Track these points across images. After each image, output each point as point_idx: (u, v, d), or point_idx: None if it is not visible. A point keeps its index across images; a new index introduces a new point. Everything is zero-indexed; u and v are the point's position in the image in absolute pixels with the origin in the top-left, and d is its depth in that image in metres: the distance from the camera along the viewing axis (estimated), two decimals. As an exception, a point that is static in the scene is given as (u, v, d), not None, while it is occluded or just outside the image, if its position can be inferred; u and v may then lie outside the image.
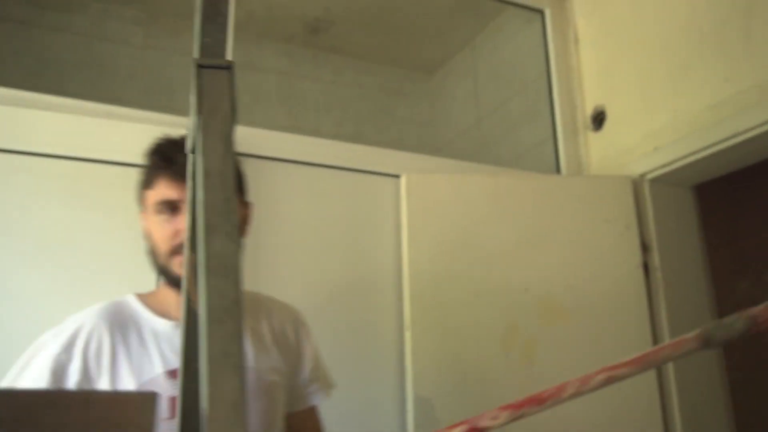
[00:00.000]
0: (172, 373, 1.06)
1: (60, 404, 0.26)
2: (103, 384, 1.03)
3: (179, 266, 1.08)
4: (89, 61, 2.87)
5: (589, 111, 2.44)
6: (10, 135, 1.61)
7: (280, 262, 1.89)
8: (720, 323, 0.69)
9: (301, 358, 1.29)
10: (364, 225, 2.03)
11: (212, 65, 0.46)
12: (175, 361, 1.06)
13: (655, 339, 2.04)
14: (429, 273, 1.97)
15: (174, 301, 1.14)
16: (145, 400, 0.28)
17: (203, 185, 0.40)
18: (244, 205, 1.25)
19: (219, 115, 0.44)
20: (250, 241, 1.83)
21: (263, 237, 1.88)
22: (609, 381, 0.71)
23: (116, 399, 0.28)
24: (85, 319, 1.11)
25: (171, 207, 1.12)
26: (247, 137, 1.93)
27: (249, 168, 1.89)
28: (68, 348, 1.06)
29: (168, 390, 1.04)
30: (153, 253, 1.15)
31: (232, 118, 0.45)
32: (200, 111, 0.43)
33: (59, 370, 1.02)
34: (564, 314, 1.99)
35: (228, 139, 0.44)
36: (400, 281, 1.98)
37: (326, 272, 1.94)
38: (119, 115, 1.80)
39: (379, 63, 3.49)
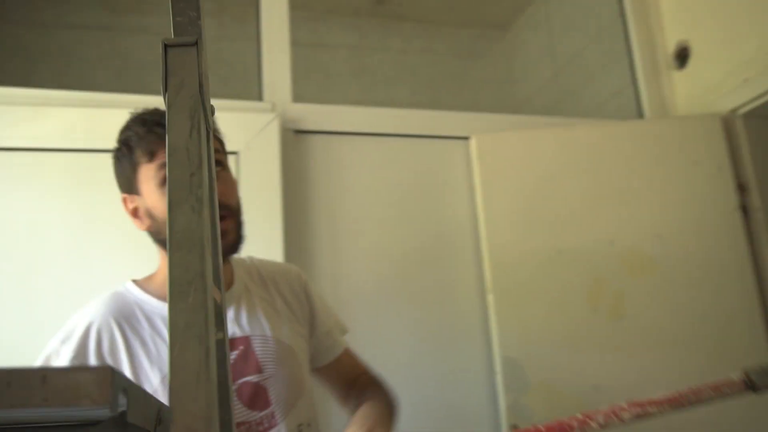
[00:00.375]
0: None
1: (16, 383, 0.27)
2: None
3: None
4: (112, 53, 2.98)
5: (671, 48, 2.28)
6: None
7: (357, 233, 1.91)
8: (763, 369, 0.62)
9: (314, 313, 1.24)
10: (437, 190, 2.01)
11: (178, 43, 0.47)
12: None
13: (761, 287, 1.90)
14: (507, 234, 1.93)
15: None
16: (101, 373, 0.29)
17: (168, 161, 0.41)
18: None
19: (184, 91, 0.44)
20: (326, 214, 1.88)
21: (338, 210, 1.91)
22: (638, 417, 0.66)
23: (72, 374, 0.29)
24: (91, 316, 1.04)
25: None
26: (311, 114, 1.95)
27: (318, 144, 1.93)
28: (81, 351, 1.00)
29: None
30: (162, 231, 1.05)
31: (201, 94, 0.45)
32: (166, 89, 0.44)
33: None
34: (653, 266, 1.89)
35: (194, 115, 0.44)
36: (479, 244, 1.96)
37: (403, 241, 1.94)
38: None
39: (449, 26, 3.42)
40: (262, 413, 1.05)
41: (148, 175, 1.03)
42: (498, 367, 1.84)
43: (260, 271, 1.21)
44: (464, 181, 2.02)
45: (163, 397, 0.96)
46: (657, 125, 2.07)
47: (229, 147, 1.16)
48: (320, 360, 1.25)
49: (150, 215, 1.06)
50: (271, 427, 1.05)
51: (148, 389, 0.98)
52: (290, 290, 1.21)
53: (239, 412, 1.03)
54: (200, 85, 0.45)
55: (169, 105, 0.43)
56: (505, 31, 3.48)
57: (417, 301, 1.91)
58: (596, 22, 2.72)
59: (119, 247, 1.65)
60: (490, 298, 1.89)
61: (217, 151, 1.05)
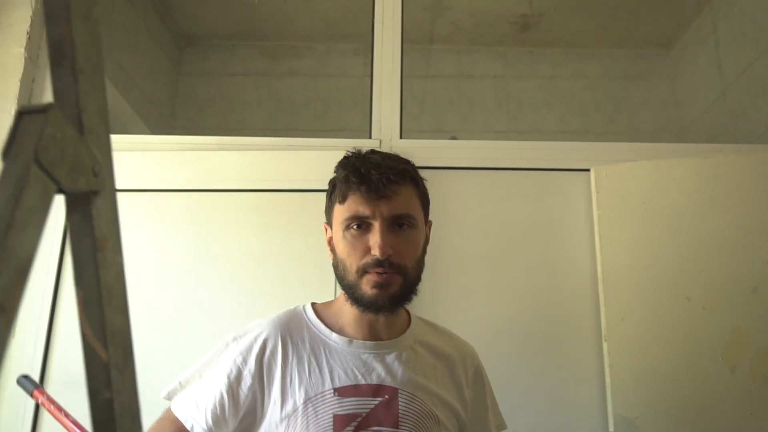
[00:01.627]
0: (339, 391, 1.06)
1: None
2: (274, 391, 1.07)
3: (369, 284, 1.07)
4: (315, 97, 3.16)
5: None
6: (205, 176, 1.85)
7: (467, 273, 1.84)
8: None
9: (482, 401, 1.25)
10: (554, 228, 1.87)
11: (30, 110, 0.48)
12: (345, 379, 1.07)
13: None
14: (627, 275, 1.74)
15: (350, 316, 1.13)
16: None
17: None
18: (429, 225, 1.24)
19: (20, 159, 0.46)
20: (431, 253, 1.84)
21: (445, 248, 1.86)
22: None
23: None
24: (264, 327, 1.13)
25: (359, 223, 1.09)
26: (417, 149, 1.93)
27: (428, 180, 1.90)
28: (245, 353, 1.09)
29: (334, 407, 1.05)
30: (341, 269, 1.11)
31: (40, 163, 0.46)
32: (5, 155, 0.46)
33: (236, 371, 1.08)
34: (810, 319, 1.58)
35: (20, 183, 0.45)
36: (596, 286, 1.78)
37: (514, 281, 1.83)
38: (297, 145, 1.93)
39: (604, 47, 3.21)
40: None
41: (338, 216, 1.12)
42: (611, 425, 1.64)
43: (437, 336, 1.24)
44: (584, 218, 1.86)
45: (302, 418, 1.03)
46: (823, 150, 1.74)
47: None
48: None
49: (333, 250, 1.14)
50: None
51: (290, 405, 1.05)
52: (461, 365, 1.22)
53: None
54: (36, 153, 0.46)
55: (2, 170, 0.45)
56: (669, 48, 3.17)
57: (528, 346, 1.79)
58: (766, 32, 2.37)
59: (234, 280, 1.77)
60: (605, 347, 1.70)
61: (407, 215, 1.11)
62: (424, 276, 1.79)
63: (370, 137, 1.96)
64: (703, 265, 1.68)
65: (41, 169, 0.50)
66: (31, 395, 1.27)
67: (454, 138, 2.59)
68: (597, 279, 1.77)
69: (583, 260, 1.82)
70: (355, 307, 1.11)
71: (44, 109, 0.53)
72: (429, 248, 1.83)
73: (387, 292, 1.08)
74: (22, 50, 1.93)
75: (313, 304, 1.20)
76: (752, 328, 1.61)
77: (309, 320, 1.16)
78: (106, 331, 0.59)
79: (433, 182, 1.90)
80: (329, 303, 1.20)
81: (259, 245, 1.79)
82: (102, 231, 0.59)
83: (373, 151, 1.16)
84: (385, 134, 1.95)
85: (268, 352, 1.10)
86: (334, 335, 1.13)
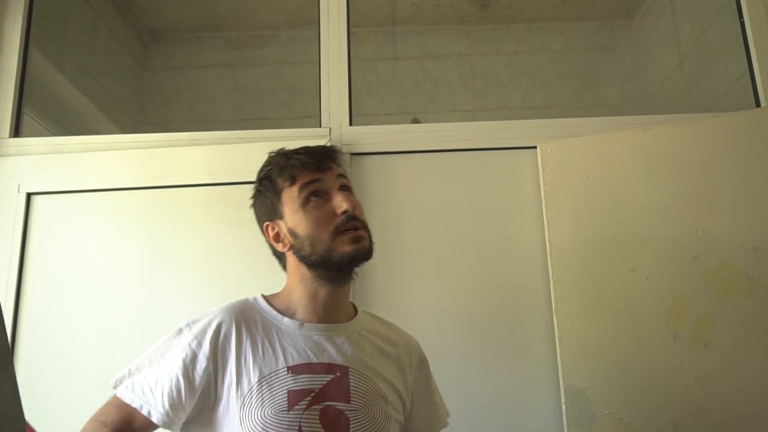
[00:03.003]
0: (292, 369, 1.11)
1: None
2: (229, 373, 1.10)
3: (347, 242, 1.13)
4: (282, 86, 3.18)
5: (792, 23, 1.93)
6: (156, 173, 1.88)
7: (419, 255, 1.88)
8: None
9: (428, 386, 1.32)
10: (502, 207, 1.90)
11: None
12: (297, 358, 1.12)
13: None
14: (574, 249, 1.77)
15: (302, 300, 1.18)
16: None
17: None
18: None
19: None
20: (382, 237, 1.87)
21: (395, 231, 1.89)
22: None
23: None
24: (217, 312, 1.17)
25: (316, 191, 1.16)
26: (367, 135, 1.96)
27: (374, 165, 1.93)
28: (199, 336, 1.13)
29: (289, 384, 1.09)
30: (308, 246, 1.15)
31: None
32: None
33: (191, 355, 1.12)
34: (747, 286, 1.61)
35: None
36: (546, 262, 1.81)
37: (466, 261, 1.87)
38: (247, 138, 1.95)
39: (567, 21, 3.21)
40: None
41: (291, 197, 1.17)
42: (563, 397, 1.69)
43: (383, 326, 1.31)
44: (532, 195, 1.89)
45: (257, 395, 1.07)
46: (755, 116, 1.76)
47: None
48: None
49: (293, 234, 1.17)
50: None
51: (245, 384, 1.09)
52: (406, 355, 1.28)
53: (317, 430, 1.07)
54: None
55: None
56: (632, 19, 3.18)
57: (482, 324, 1.82)
58: (717, 1, 2.38)
59: (186, 275, 1.81)
60: (555, 320, 1.74)
61: (345, 176, 1.22)
62: (376, 257, 1.83)
63: (320, 125, 1.98)
64: (644, 236, 1.72)
65: None
66: None
67: (416, 120, 2.61)
68: (546, 254, 1.80)
69: (532, 237, 1.85)
70: (327, 274, 1.16)
71: None
72: (381, 232, 1.87)
73: (365, 244, 1.15)
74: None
75: (263, 295, 1.24)
76: (693, 295, 1.65)
77: (261, 308, 1.20)
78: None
79: (383, 167, 1.95)
80: (277, 293, 1.24)
81: (213, 239, 1.83)
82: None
83: (284, 149, 1.25)
84: (334, 122, 1.97)
85: (222, 335, 1.13)
86: (285, 319, 1.17)
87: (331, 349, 1.15)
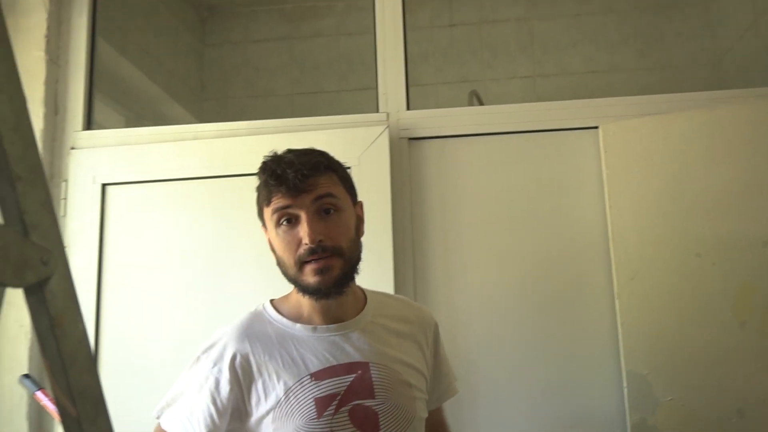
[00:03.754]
0: (315, 375, 1.15)
1: None
2: (254, 391, 1.15)
3: (310, 274, 1.14)
4: (338, 57, 3.17)
5: None
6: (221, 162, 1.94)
7: (479, 238, 1.89)
8: None
9: (438, 357, 1.32)
10: (563, 189, 1.88)
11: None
12: (318, 364, 1.15)
13: None
14: (637, 233, 1.75)
15: (307, 305, 1.21)
16: None
17: None
18: (358, 206, 1.27)
19: None
20: (441, 221, 1.89)
21: (454, 215, 1.90)
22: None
23: None
24: (229, 336, 1.20)
25: (288, 218, 1.15)
26: (424, 120, 1.96)
27: (433, 150, 1.93)
28: (218, 363, 1.17)
29: (313, 392, 1.13)
30: (282, 265, 1.18)
31: None
32: None
33: (214, 383, 1.17)
34: (820, 272, 1.56)
35: None
36: (607, 245, 1.80)
37: (526, 243, 1.87)
38: (308, 125, 1.98)
39: (632, -23, 3.06)
40: None
41: (268, 217, 1.19)
42: (624, 382, 1.70)
43: (396, 306, 1.32)
44: (593, 177, 1.86)
45: (285, 407, 1.12)
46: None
47: (345, 162, 1.26)
48: (433, 402, 1.32)
49: (272, 249, 1.21)
50: None
51: (272, 398, 1.14)
52: (421, 330, 1.29)
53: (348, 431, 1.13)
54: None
55: None
56: (702, -29, 3.00)
57: (542, 306, 1.83)
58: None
59: (250, 263, 1.88)
60: (617, 304, 1.74)
61: (329, 195, 1.16)
62: (436, 241, 1.87)
63: (377, 111, 1.99)
64: (712, 221, 1.67)
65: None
66: (33, 396, 1.39)
67: (475, 92, 2.57)
68: (608, 238, 1.79)
69: (593, 220, 1.83)
70: (308, 297, 1.18)
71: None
72: (440, 217, 1.89)
73: (330, 276, 1.13)
74: (43, 53, 2.03)
75: (272, 301, 1.26)
76: (762, 283, 1.61)
77: (271, 317, 1.22)
78: (73, 391, 0.69)
79: (441, 151, 1.95)
80: (286, 297, 1.26)
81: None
82: (58, 309, 0.68)
83: (289, 151, 1.20)
84: (392, 107, 1.97)
85: (238, 358, 1.16)
86: (297, 326, 1.20)
87: (348, 347, 1.18)
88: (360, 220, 1.26)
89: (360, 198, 1.27)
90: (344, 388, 1.14)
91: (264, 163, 1.19)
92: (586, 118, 1.88)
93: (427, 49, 3.13)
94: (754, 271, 1.62)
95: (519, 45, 3.10)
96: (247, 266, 1.88)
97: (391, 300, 1.34)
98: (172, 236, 1.94)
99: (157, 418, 1.22)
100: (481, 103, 2.53)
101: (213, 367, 1.17)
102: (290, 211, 1.14)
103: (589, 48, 3.05)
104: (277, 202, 1.15)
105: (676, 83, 2.96)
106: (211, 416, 1.15)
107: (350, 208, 1.21)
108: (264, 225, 1.22)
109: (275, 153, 1.21)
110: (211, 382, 1.16)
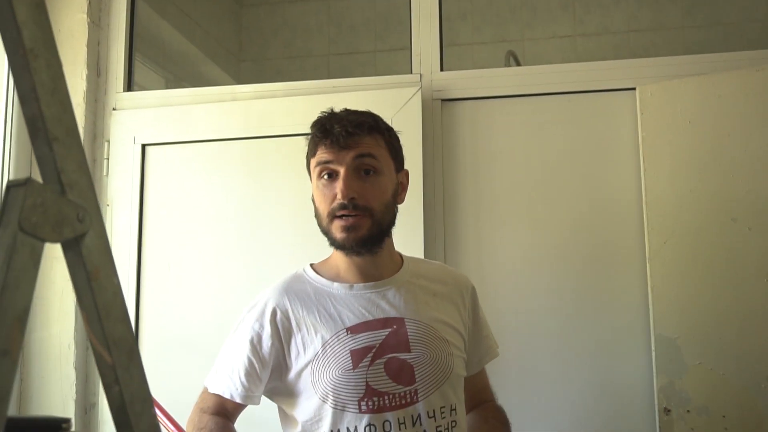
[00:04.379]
0: (351, 329, 1.20)
1: None
2: (294, 345, 1.21)
3: (338, 229, 1.19)
4: (374, 17, 3.15)
5: None
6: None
7: (512, 201, 1.89)
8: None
9: (477, 319, 1.35)
10: (598, 152, 1.86)
11: (13, 184, 0.61)
12: (354, 319, 1.21)
13: None
14: (672, 197, 1.72)
15: (344, 264, 1.26)
16: None
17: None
18: (403, 174, 1.31)
19: (7, 229, 0.59)
20: (470, 188, 1.89)
21: (487, 179, 1.90)
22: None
23: None
24: (270, 293, 1.27)
25: (329, 173, 1.20)
26: (458, 81, 1.94)
27: (465, 111, 1.92)
28: (260, 319, 1.23)
29: (349, 344, 1.18)
30: (318, 216, 1.23)
31: (24, 227, 0.60)
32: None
33: (256, 337, 1.23)
34: None
35: (9, 251, 0.58)
36: (641, 209, 1.78)
37: (559, 207, 1.86)
38: (340, 86, 1.99)
39: (680, -71, 2.93)
40: (407, 388, 1.18)
41: (312, 168, 1.24)
42: (653, 345, 1.70)
43: (432, 269, 1.36)
44: (629, 139, 1.83)
45: (322, 359, 1.18)
46: None
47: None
48: (473, 365, 1.34)
49: (312, 200, 1.26)
50: (412, 403, 1.18)
51: (311, 351, 1.19)
52: (457, 291, 1.33)
53: (384, 383, 1.17)
54: (20, 221, 0.59)
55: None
56: None
57: (573, 272, 1.84)
58: None
59: (287, 224, 1.92)
60: (649, 269, 1.73)
61: (369, 156, 1.20)
62: (467, 204, 1.88)
63: (411, 72, 1.98)
64: (750, 185, 1.64)
65: (26, 234, 0.63)
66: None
67: (512, 53, 2.53)
68: (642, 202, 1.77)
69: (628, 183, 1.81)
70: (339, 251, 1.23)
71: (24, 183, 0.65)
72: (473, 178, 1.89)
73: (356, 234, 1.17)
74: (85, 16, 2.08)
75: (311, 265, 1.32)
76: (799, 249, 1.58)
77: (310, 278, 1.28)
78: (108, 340, 0.74)
79: (475, 113, 1.94)
80: (325, 260, 1.31)
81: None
82: (93, 263, 0.73)
83: (345, 110, 1.25)
84: (425, 68, 1.97)
85: (279, 314, 1.22)
86: (335, 284, 1.25)
87: (383, 304, 1.22)
88: (402, 187, 1.29)
89: None
90: (380, 341, 1.19)
91: (318, 117, 1.25)
92: (625, 78, 1.85)
93: (465, 7, 3.08)
94: (792, 237, 1.59)
95: (560, 3, 3.02)
96: (282, 227, 1.92)
97: (427, 264, 1.39)
98: (208, 196, 1.99)
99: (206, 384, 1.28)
100: (518, 64, 2.50)
101: (255, 322, 1.24)
102: (331, 166, 1.19)
103: (633, 5, 2.96)
104: (321, 155, 1.20)
105: (725, 42, 2.85)
106: (252, 367, 1.21)
107: (391, 172, 1.25)
108: (310, 176, 1.27)
109: (331, 109, 1.25)
110: (253, 337, 1.22)
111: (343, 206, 1.17)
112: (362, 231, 1.18)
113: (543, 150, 1.88)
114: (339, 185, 1.17)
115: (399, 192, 1.28)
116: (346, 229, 1.18)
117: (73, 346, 1.93)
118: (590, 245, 1.83)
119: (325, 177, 1.20)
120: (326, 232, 1.22)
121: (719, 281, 1.65)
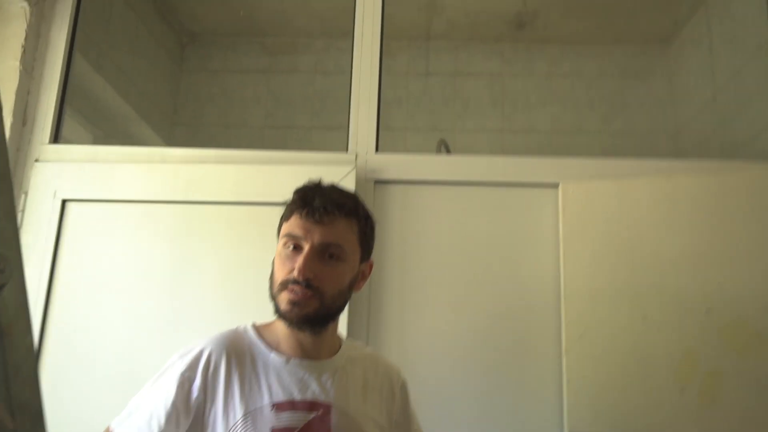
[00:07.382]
0: (277, 406, 1.16)
1: None
2: (217, 404, 1.16)
3: (285, 301, 1.17)
4: (313, 95, 3.22)
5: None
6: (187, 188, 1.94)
7: (435, 284, 1.91)
8: None
9: (407, 413, 1.34)
10: (521, 243, 1.93)
11: None
12: (282, 395, 1.17)
13: None
14: (588, 292, 1.79)
15: (284, 335, 1.23)
16: None
17: None
18: (367, 264, 1.31)
19: None
20: (397, 269, 1.90)
21: (412, 262, 1.93)
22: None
23: None
24: (209, 343, 1.22)
25: (295, 244, 1.19)
26: (391, 163, 1.99)
27: (396, 194, 1.96)
28: (192, 367, 1.18)
29: (272, 421, 1.14)
30: (271, 279, 1.22)
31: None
32: None
33: (187, 383, 1.17)
34: (759, 343, 1.62)
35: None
36: (559, 302, 1.84)
37: (480, 294, 1.89)
38: (277, 159, 2.00)
39: (599, 44, 3.20)
40: None
41: (281, 232, 1.24)
42: (566, 438, 1.72)
43: (366, 357, 1.34)
44: (550, 233, 1.91)
45: (241, 429, 1.12)
46: (787, 172, 1.76)
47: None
48: None
49: (272, 263, 1.23)
50: None
51: (231, 417, 1.14)
52: (388, 384, 1.32)
53: None
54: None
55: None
56: (667, 45, 3.16)
57: (491, 360, 1.85)
58: (755, 38, 2.37)
59: (207, 291, 1.87)
60: (564, 362, 1.77)
61: (336, 245, 1.19)
62: (393, 285, 1.89)
63: (347, 151, 2.02)
64: (659, 285, 1.73)
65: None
66: None
67: (443, 141, 2.64)
68: (560, 295, 1.83)
69: (548, 276, 1.88)
70: (281, 321, 1.21)
71: None
72: (399, 260, 1.91)
73: (300, 311, 1.16)
74: (18, 63, 2.03)
75: (254, 324, 1.28)
76: (703, 350, 1.66)
77: (250, 339, 1.24)
78: (13, 403, 0.68)
79: (406, 196, 1.98)
80: (268, 324, 1.28)
81: (235, 257, 1.88)
82: (9, 318, 0.68)
83: (331, 185, 1.26)
84: (361, 149, 2.01)
85: (212, 366, 1.18)
86: (273, 354, 1.21)
87: (315, 386, 1.19)
88: (362, 276, 1.29)
89: None
90: (303, 424, 1.15)
91: (305, 184, 1.26)
92: (549, 174, 1.94)
93: (401, 94, 3.21)
94: (696, 338, 1.68)
95: (490, 99, 3.19)
96: (206, 294, 1.87)
97: (362, 350, 1.37)
98: (130, 258, 1.91)
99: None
100: (448, 152, 2.59)
101: (186, 370, 1.18)
102: (298, 240, 1.19)
103: (557, 108, 3.17)
104: (293, 226, 1.20)
105: (637, 149, 3.08)
106: (176, 417, 1.14)
107: (355, 261, 1.24)
108: (278, 237, 1.26)
109: (319, 180, 1.27)
110: (184, 383, 1.17)
111: (295, 281, 1.16)
112: (308, 309, 1.17)
113: (468, 237, 1.94)
114: (299, 262, 1.16)
115: (358, 281, 1.27)
116: (293, 303, 1.16)
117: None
118: (509, 334, 1.86)
119: (290, 248, 1.20)
120: (274, 299, 1.20)
121: (631, 378, 1.70)
